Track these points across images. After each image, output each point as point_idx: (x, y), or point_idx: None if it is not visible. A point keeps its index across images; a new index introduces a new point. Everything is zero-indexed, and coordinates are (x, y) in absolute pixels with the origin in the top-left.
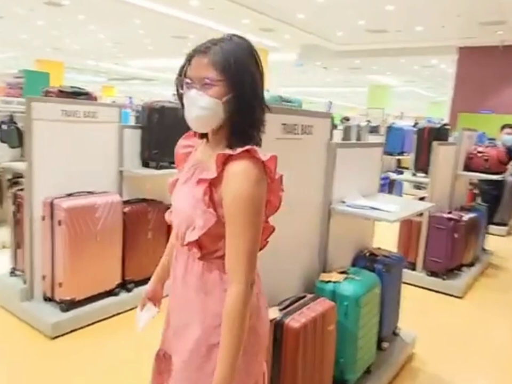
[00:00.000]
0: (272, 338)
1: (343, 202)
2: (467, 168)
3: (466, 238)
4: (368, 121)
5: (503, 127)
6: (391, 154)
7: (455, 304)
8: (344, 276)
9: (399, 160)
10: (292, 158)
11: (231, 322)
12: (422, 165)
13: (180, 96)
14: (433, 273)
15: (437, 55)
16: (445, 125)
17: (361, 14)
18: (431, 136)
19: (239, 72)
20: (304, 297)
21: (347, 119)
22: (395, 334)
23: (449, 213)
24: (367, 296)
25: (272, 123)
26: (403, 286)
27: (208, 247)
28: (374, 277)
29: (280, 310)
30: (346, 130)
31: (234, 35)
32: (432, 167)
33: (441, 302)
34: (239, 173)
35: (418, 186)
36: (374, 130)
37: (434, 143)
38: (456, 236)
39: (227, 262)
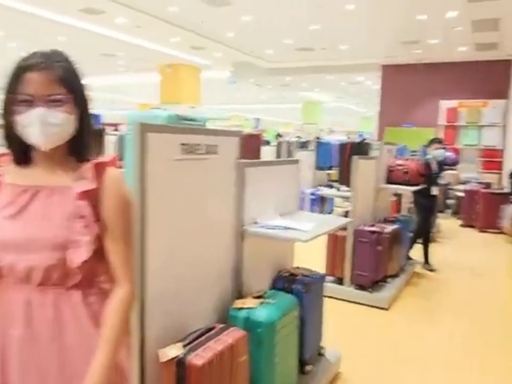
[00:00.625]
0: (174, 379)
1: (256, 223)
2: (388, 180)
3: (390, 249)
4: (298, 137)
5: (432, 141)
6: (321, 168)
7: (381, 316)
8: (259, 301)
9: (329, 175)
10: (197, 179)
11: (122, 319)
12: (345, 179)
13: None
14: (360, 287)
15: (362, 72)
16: (365, 139)
17: (288, 33)
18: (353, 150)
19: (81, 87)
20: (213, 328)
21: (280, 135)
22: (320, 354)
23: (372, 225)
24: (284, 320)
25: (169, 143)
26: (331, 301)
27: (89, 272)
28: (291, 299)
29: (184, 345)
30: (279, 147)
31: (57, 50)
32: (353, 181)
33: (368, 315)
34: (118, 178)
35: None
36: (304, 145)
37: (354, 158)
38: (379, 248)
39: (115, 266)
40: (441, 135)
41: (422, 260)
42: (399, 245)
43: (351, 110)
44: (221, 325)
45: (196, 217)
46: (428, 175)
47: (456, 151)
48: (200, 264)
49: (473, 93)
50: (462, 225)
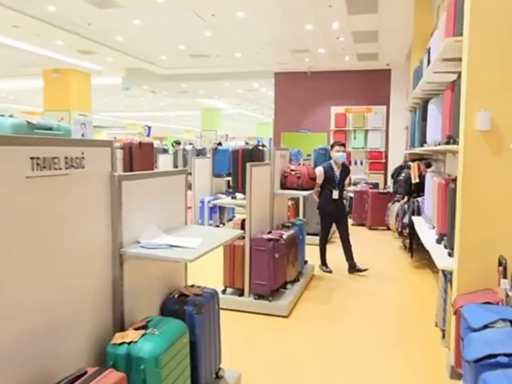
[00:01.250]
0: None
1: (138, 242)
2: (284, 186)
3: (288, 255)
4: (191, 143)
5: (333, 145)
6: (219, 176)
7: (282, 325)
8: (141, 332)
9: (229, 182)
10: (55, 199)
11: None
12: (240, 187)
13: None
14: (260, 296)
15: (257, 79)
16: (258, 145)
17: (181, 40)
18: (245, 157)
19: None
20: (85, 373)
21: (178, 143)
22: (218, 377)
23: (269, 232)
24: (171, 350)
25: (15, 158)
26: (232, 315)
27: None
28: (179, 324)
29: None
30: (175, 155)
31: None
32: (248, 189)
33: (269, 325)
34: None
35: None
36: (200, 153)
37: (248, 165)
38: (277, 255)
39: None
40: (332, 139)
41: (318, 262)
42: (296, 249)
43: (250, 116)
44: (95, 368)
45: (56, 245)
46: (329, 179)
47: (347, 154)
48: (63, 298)
49: (359, 99)
50: (353, 224)
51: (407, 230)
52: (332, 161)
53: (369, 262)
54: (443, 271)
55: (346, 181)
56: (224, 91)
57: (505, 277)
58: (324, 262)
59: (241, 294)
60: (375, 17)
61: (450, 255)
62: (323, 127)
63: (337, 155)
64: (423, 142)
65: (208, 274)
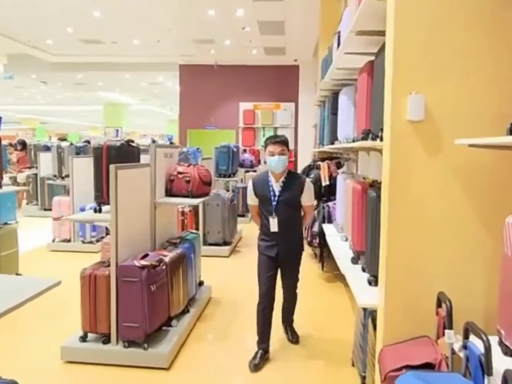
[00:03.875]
0: None
1: None
2: (170, 192)
3: (171, 283)
4: (68, 141)
5: (265, 142)
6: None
7: (160, 381)
8: None
9: None
10: None
11: None
12: (106, 196)
13: None
14: (131, 343)
15: (160, 71)
16: (129, 141)
17: (66, 20)
18: (111, 157)
19: None
20: None
21: (63, 139)
22: None
23: (144, 256)
24: None
25: None
26: (95, 370)
27: None
28: None
29: None
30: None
31: None
32: (112, 199)
33: (142, 383)
34: None
35: None
36: (81, 151)
37: (111, 167)
38: (153, 287)
39: None
40: (241, 136)
41: (219, 279)
42: (186, 272)
43: (158, 112)
44: None
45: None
46: (262, 198)
47: (255, 152)
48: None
49: (268, 96)
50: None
51: (317, 240)
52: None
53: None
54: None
55: (305, 203)
56: (125, 84)
57: (450, 326)
58: (261, 338)
59: (106, 340)
60: (281, 5)
61: (370, 283)
62: (232, 124)
63: (270, 161)
64: (333, 139)
65: (60, 314)
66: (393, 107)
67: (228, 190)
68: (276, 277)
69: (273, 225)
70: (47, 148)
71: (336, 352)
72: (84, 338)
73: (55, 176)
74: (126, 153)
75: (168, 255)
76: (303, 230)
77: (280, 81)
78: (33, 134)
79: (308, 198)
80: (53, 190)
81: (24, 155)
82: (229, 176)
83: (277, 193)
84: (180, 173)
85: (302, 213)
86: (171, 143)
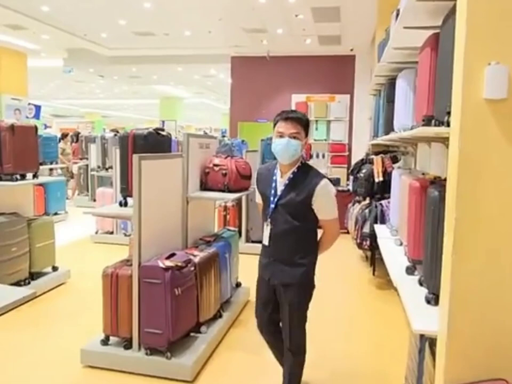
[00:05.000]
0: None
1: None
2: (205, 186)
3: (200, 286)
4: (116, 132)
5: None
6: None
7: None
8: None
9: None
10: None
11: None
12: (131, 189)
13: None
14: (153, 351)
15: (212, 64)
16: (159, 130)
17: (118, 12)
18: (138, 147)
19: None
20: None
21: (116, 131)
22: None
23: (170, 256)
24: None
25: None
26: (115, 376)
27: None
28: None
29: None
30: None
31: None
32: (135, 192)
33: None
34: None
35: None
36: None
37: (135, 157)
38: (178, 291)
39: None
40: None
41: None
42: (219, 273)
43: (213, 106)
44: None
45: None
46: (262, 196)
47: (307, 146)
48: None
49: (321, 87)
50: None
51: (368, 242)
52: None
53: (320, 278)
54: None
55: (321, 215)
56: (179, 77)
57: None
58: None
59: (128, 346)
60: None
61: (429, 301)
62: None
63: (275, 145)
64: (388, 129)
65: (83, 314)
66: (466, 83)
67: None
68: (275, 308)
69: (265, 235)
70: (95, 140)
71: (386, 373)
72: (105, 342)
73: (99, 167)
74: (155, 142)
75: (199, 255)
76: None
77: (334, 72)
78: (92, 127)
79: (324, 209)
80: (102, 181)
81: (77, 147)
82: None
83: (278, 193)
84: (216, 165)
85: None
86: (223, 136)
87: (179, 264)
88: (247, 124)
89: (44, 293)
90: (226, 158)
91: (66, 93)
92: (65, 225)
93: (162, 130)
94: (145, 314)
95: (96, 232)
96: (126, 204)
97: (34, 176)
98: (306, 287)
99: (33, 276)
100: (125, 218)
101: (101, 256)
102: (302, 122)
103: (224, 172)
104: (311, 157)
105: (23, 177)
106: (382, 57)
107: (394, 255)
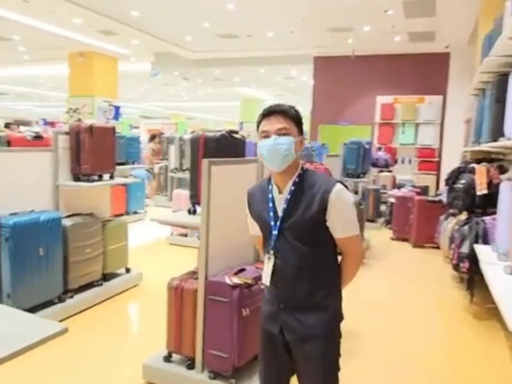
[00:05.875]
0: None
1: None
2: None
3: None
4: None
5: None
6: None
7: None
8: None
9: None
10: None
11: None
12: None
13: None
14: (217, 375)
15: (294, 65)
16: (232, 132)
17: (202, 14)
18: (209, 150)
19: None
20: None
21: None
22: None
23: (240, 271)
24: None
25: None
26: None
27: None
28: None
29: None
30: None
31: None
32: (203, 200)
33: None
34: None
35: None
36: None
37: (204, 162)
38: (246, 312)
39: None
40: (377, 133)
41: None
42: None
43: None
44: None
45: None
46: (258, 220)
47: (392, 150)
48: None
49: (409, 88)
50: (393, 239)
51: (466, 265)
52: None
53: (403, 301)
54: None
55: (337, 233)
56: (260, 79)
57: None
58: None
59: (191, 366)
60: None
61: None
62: (367, 119)
63: (261, 148)
64: (496, 134)
65: (150, 321)
66: None
67: (355, 192)
68: (286, 374)
69: (267, 272)
70: (175, 141)
71: None
72: (168, 359)
73: (176, 168)
74: (227, 146)
75: None
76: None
77: (425, 72)
78: (175, 128)
79: (342, 223)
80: (180, 182)
81: (160, 148)
82: (358, 177)
83: (280, 214)
84: None
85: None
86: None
87: (248, 281)
88: (328, 126)
89: (116, 294)
90: (305, 163)
91: (154, 96)
92: (143, 224)
93: (236, 132)
94: (209, 334)
95: (172, 234)
96: (194, 212)
97: (111, 177)
98: (336, 338)
99: (106, 277)
100: (191, 228)
101: (174, 259)
102: (291, 115)
103: None
104: (396, 162)
105: (100, 178)
106: (492, 51)
107: (504, 285)
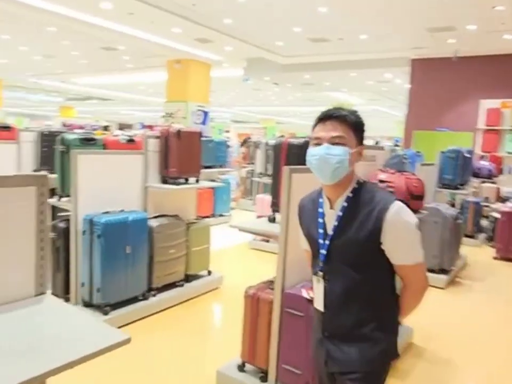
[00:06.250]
0: None
1: None
2: None
3: None
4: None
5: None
6: None
7: None
8: None
9: None
10: None
11: None
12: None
13: None
14: None
15: (388, 68)
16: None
17: (294, 19)
18: (291, 157)
19: None
20: None
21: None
22: None
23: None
24: None
25: None
26: None
27: None
28: None
29: None
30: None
31: None
32: (283, 207)
33: None
34: None
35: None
36: None
37: (285, 169)
38: None
39: None
40: (480, 141)
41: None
42: None
43: (385, 113)
44: None
45: None
46: (308, 237)
47: (497, 160)
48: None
49: None
50: (496, 258)
51: None
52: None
53: (504, 329)
54: None
55: (396, 260)
56: (351, 83)
57: None
58: None
59: (264, 379)
60: None
61: None
62: (468, 126)
63: (310, 157)
64: None
65: (227, 326)
66: None
67: (452, 205)
68: None
69: (318, 295)
70: (261, 145)
71: None
72: (241, 368)
73: (261, 173)
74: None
75: None
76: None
77: None
78: (264, 133)
79: (400, 249)
80: (266, 187)
81: (248, 152)
82: (456, 188)
83: (330, 232)
84: (381, 181)
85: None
86: (396, 145)
87: None
88: (424, 133)
89: (196, 296)
90: (394, 173)
91: (245, 100)
92: (227, 227)
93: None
94: (284, 348)
95: (254, 238)
96: (274, 220)
97: (197, 180)
98: (381, 378)
99: (188, 278)
100: (270, 237)
101: (255, 265)
102: (349, 122)
103: (390, 189)
104: (501, 172)
105: (186, 181)
106: None
107: None
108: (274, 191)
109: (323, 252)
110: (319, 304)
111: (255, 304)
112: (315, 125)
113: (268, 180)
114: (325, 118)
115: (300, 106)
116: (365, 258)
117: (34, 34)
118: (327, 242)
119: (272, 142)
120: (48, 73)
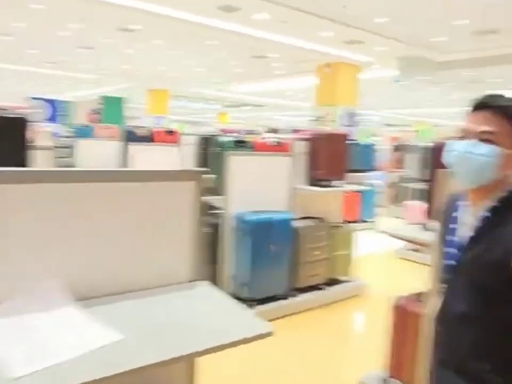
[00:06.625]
0: None
1: None
2: None
3: None
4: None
5: None
6: None
7: None
8: None
9: None
10: None
11: None
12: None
13: None
14: None
15: None
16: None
17: (460, 11)
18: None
19: None
20: None
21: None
22: None
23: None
24: None
25: None
26: None
27: None
28: None
29: None
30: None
31: None
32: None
33: None
34: None
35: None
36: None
37: (442, 173)
38: None
39: None
40: None
41: None
42: None
43: None
44: None
45: None
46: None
47: None
48: None
49: None
50: None
51: None
52: None
53: None
54: None
55: None
56: None
57: None
58: None
59: None
60: None
61: None
62: None
63: (449, 151)
64: None
65: (366, 334)
66: None
67: None
68: None
69: (449, 304)
70: (414, 149)
71: None
72: (385, 381)
73: (412, 178)
74: None
75: None
76: None
77: None
78: (415, 136)
79: None
80: (420, 194)
81: (400, 156)
82: None
83: (465, 239)
84: None
85: None
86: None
87: None
88: None
89: (337, 301)
90: None
91: (395, 102)
92: (371, 233)
93: None
94: None
95: (405, 246)
96: (427, 228)
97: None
98: None
99: (330, 282)
100: (419, 244)
101: (402, 274)
102: (509, 115)
103: None
104: None
105: (331, 184)
106: None
107: None
108: (430, 197)
109: (450, 263)
110: (439, 321)
111: (400, 315)
112: (468, 114)
113: (422, 186)
114: (477, 106)
115: (456, 107)
116: (494, 281)
117: (198, 48)
118: (456, 252)
119: (424, 145)
120: (207, 82)
